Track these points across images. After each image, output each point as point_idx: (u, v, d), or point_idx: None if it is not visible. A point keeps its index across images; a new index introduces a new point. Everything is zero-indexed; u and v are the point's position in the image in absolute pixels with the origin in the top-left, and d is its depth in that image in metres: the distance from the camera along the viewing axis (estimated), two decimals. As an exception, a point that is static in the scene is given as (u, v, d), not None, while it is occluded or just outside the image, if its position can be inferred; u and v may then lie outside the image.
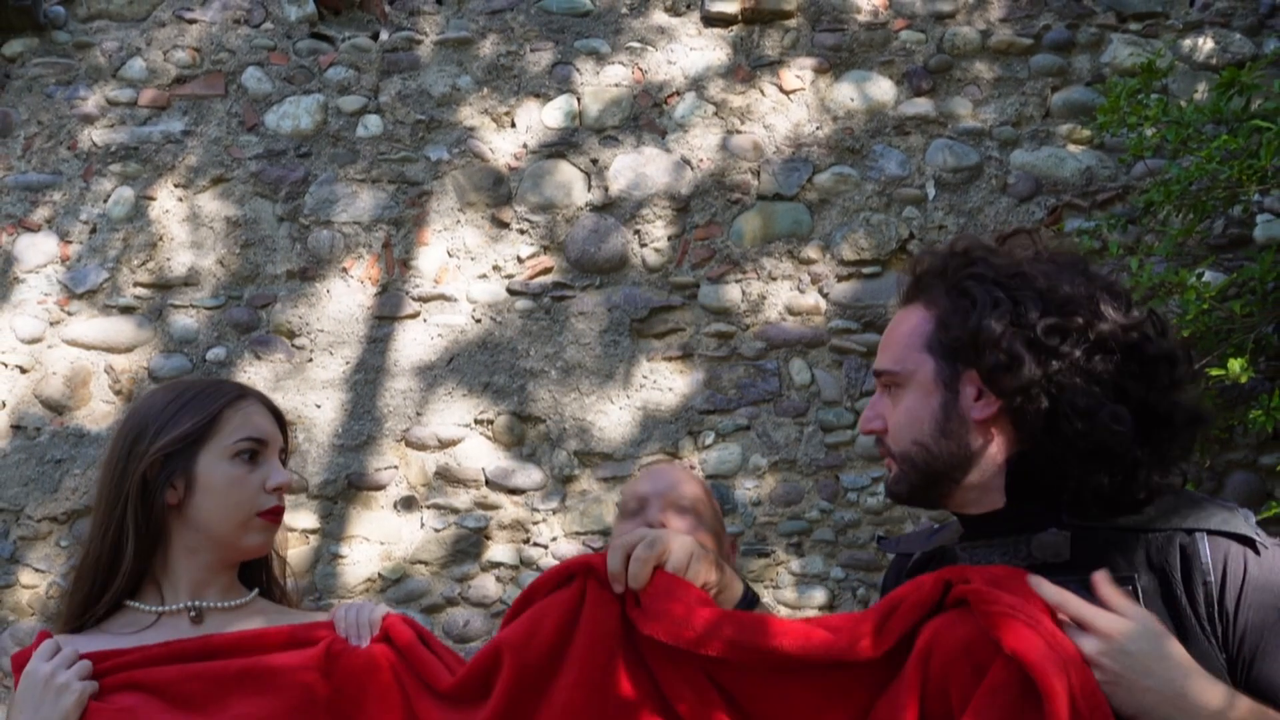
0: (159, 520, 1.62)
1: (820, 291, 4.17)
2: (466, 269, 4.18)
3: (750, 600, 1.58)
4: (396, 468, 4.10)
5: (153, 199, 4.19)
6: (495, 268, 4.18)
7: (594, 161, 4.22)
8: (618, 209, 4.20)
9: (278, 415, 1.73)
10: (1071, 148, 4.20)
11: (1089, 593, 1.36)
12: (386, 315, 4.15)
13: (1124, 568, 1.40)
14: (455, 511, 4.08)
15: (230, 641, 1.56)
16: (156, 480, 1.61)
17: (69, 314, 4.14)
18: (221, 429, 1.65)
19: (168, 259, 4.17)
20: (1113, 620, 1.32)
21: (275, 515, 1.68)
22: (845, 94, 4.25)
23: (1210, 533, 1.39)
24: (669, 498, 2.04)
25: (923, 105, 4.23)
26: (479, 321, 4.16)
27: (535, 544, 4.07)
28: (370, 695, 1.54)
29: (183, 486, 1.62)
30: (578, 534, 4.06)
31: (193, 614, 1.64)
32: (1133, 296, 1.52)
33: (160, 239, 4.18)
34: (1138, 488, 1.43)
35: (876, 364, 1.56)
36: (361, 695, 1.54)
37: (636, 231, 4.19)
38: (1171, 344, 1.47)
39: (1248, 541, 1.38)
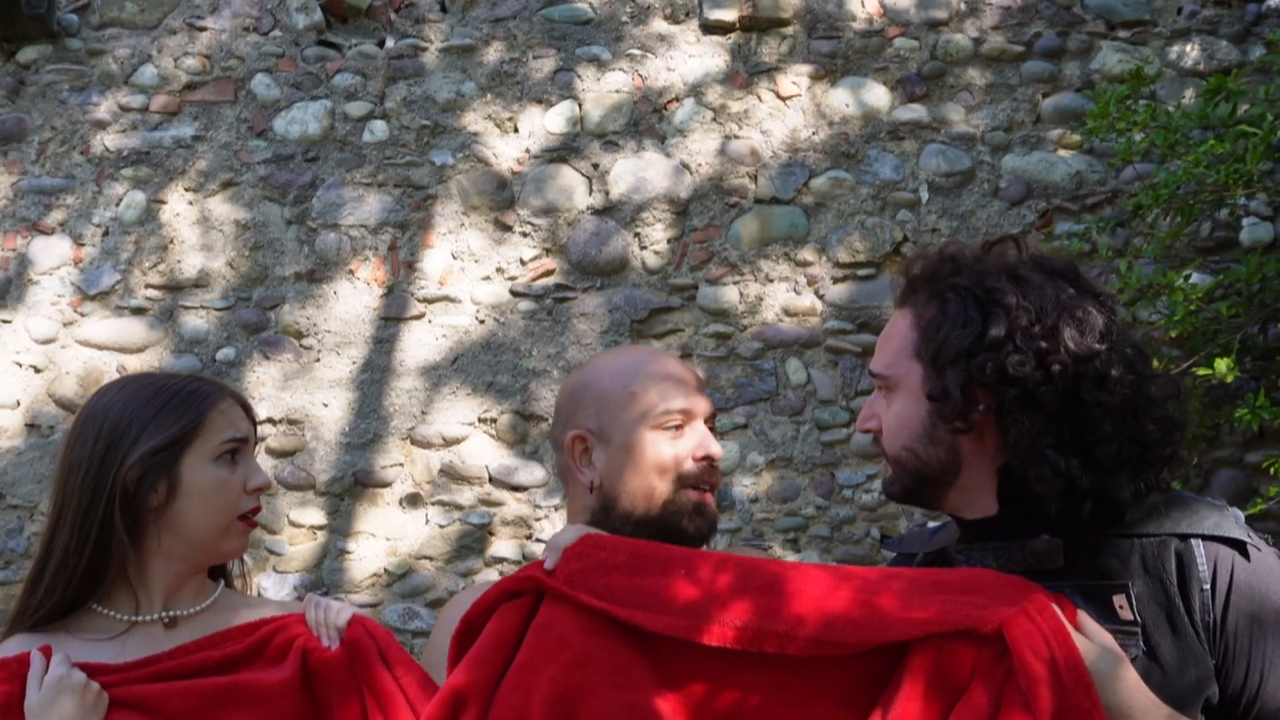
0: (142, 524, 1.59)
1: (816, 293, 4.23)
2: (470, 271, 4.24)
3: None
4: (402, 465, 4.16)
5: (164, 203, 4.26)
6: (499, 270, 4.24)
7: (595, 166, 4.29)
8: (618, 212, 4.27)
9: (249, 410, 1.71)
10: (1062, 152, 4.26)
11: (1085, 599, 1.39)
12: (392, 316, 4.21)
13: (1119, 574, 1.41)
14: (459, 508, 4.15)
15: (214, 660, 1.57)
16: (141, 484, 1.57)
17: (82, 315, 4.20)
18: (205, 431, 1.61)
19: (178, 261, 4.24)
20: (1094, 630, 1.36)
21: (253, 514, 1.67)
22: (841, 100, 4.32)
23: (1205, 538, 1.40)
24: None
25: (916, 111, 4.30)
26: (483, 322, 4.22)
27: (538, 540, 4.13)
28: (335, 699, 1.57)
29: (165, 490, 1.58)
30: (579, 530, 4.11)
31: (166, 621, 1.61)
32: (1115, 314, 1.49)
33: (171, 242, 4.24)
34: (1091, 513, 1.43)
35: (872, 365, 1.59)
36: (329, 698, 1.58)
37: (637, 234, 4.26)
38: (1115, 395, 1.41)
39: (1238, 545, 1.40)
